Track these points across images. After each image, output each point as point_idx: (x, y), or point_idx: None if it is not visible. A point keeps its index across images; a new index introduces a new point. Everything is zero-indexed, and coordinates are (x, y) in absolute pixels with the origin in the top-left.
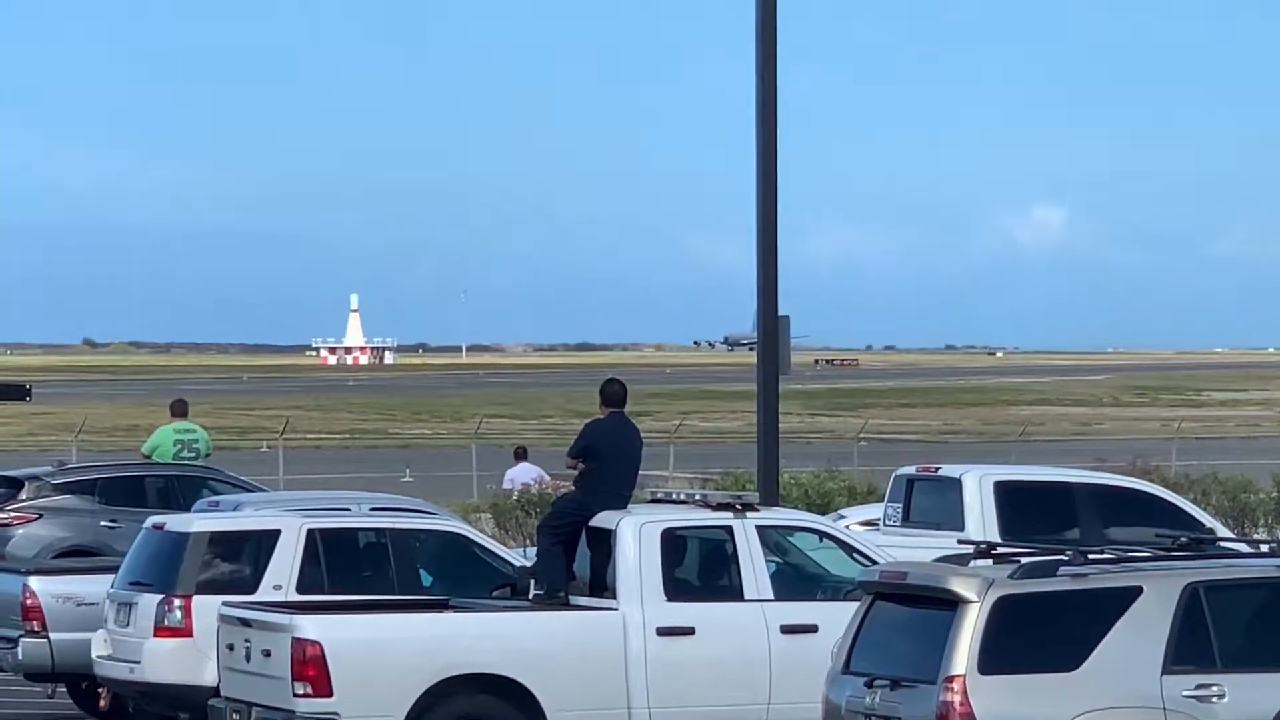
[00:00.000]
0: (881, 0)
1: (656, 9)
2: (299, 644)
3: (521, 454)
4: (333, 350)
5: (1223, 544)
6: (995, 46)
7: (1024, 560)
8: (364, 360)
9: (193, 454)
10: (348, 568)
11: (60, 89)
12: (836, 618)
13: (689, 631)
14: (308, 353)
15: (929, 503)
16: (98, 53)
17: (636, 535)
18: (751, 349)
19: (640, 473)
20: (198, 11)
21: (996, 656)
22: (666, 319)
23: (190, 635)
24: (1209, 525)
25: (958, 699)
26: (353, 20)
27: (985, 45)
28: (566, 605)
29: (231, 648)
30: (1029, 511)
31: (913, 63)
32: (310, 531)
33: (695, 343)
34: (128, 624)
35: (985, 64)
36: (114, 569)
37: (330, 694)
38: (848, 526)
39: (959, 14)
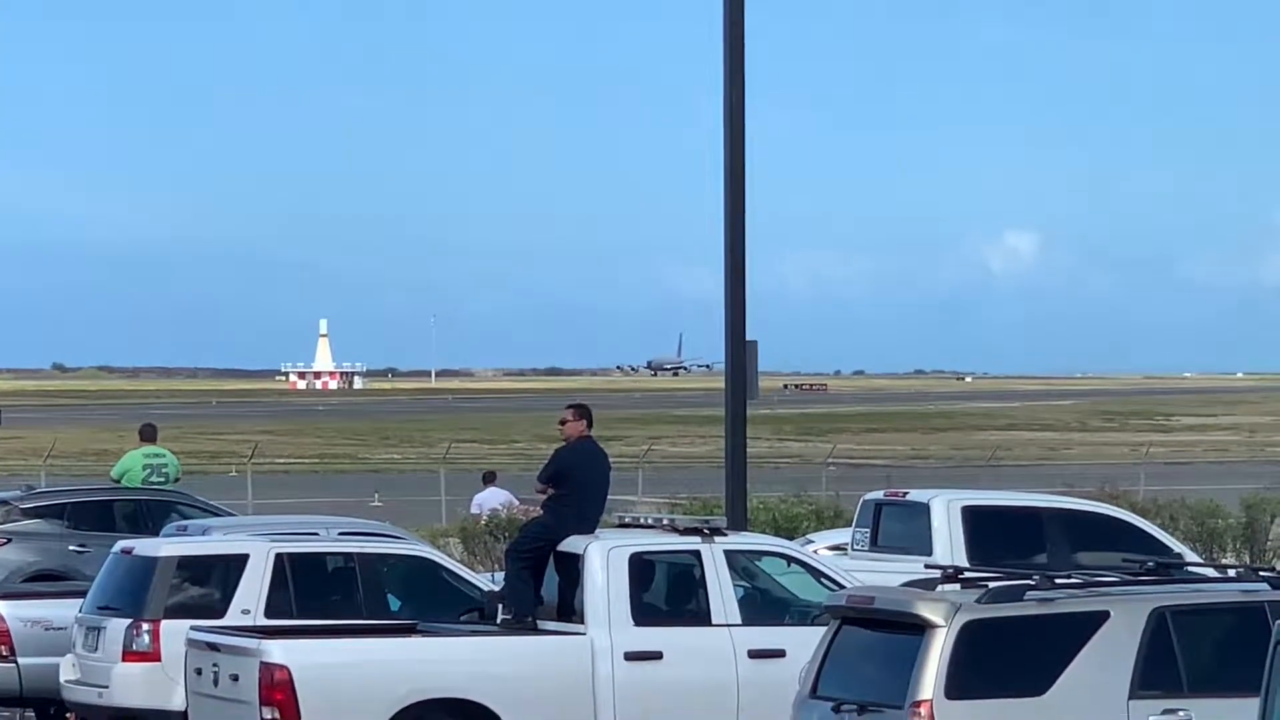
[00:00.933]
0: (851, 31)
1: (628, 39)
2: (267, 668)
3: (490, 478)
4: (302, 375)
5: (1190, 569)
6: (963, 73)
7: (991, 585)
8: (333, 385)
9: (162, 478)
10: (316, 592)
11: (23, 111)
12: (804, 642)
13: (657, 656)
14: (277, 377)
15: (897, 527)
16: (60, 74)
17: (604, 560)
18: (676, 374)
19: (609, 497)
20: (162, 33)
21: (963, 681)
22: (636, 344)
23: (159, 659)
24: (1177, 550)
25: None
26: (326, 45)
27: (952, 72)
28: (535, 630)
29: (199, 672)
30: (997, 536)
31: (881, 90)
32: (279, 555)
33: (618, 368)
34: (96, 648)
35: (955, 90)
36: (82, 593)
37: (298, 718)
38: (815, 551)
39: (928, 42)
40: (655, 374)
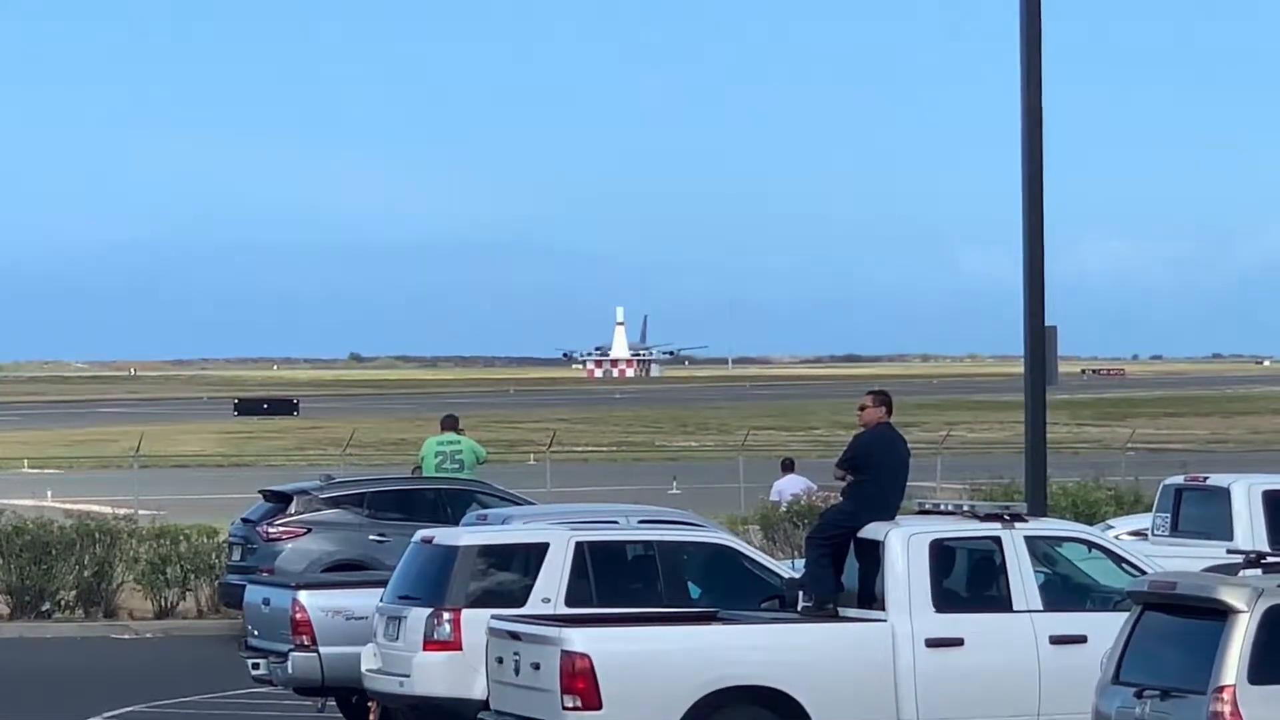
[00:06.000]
0: (1150, 12)
1: (922, 19)
2: (568, 657)
3: (789, 465)
4: (599, 363)
5: None
6: (1262, 56)
7: None
8: (630, 373)
9: (456, 465)
10: (616, 580)
11: (328, 111)
12: (1105, 628)
13: (958, 643)
14: (574, 365)
15: (1197, 512)
16: (362, 74)
17: (905, 546)
18: (642, 361)
19: (908, 484)
20: (457, 31)
21: (1266, 667)
22: (933, 330)
23: (459, 649)
24: None
25: (1228, 709)
26: (618, 34)
27: (1251, 56)
28: (835, 617)
29: (500, 661)
30: None
31: (1180, 74)
32: (579, 544)
33: (564, 354)
34: (397, 638)
35: (1254, 74)
36: (383, 583)
37: (599, 707)
38: (1116, 536)
39: (1228, 26)
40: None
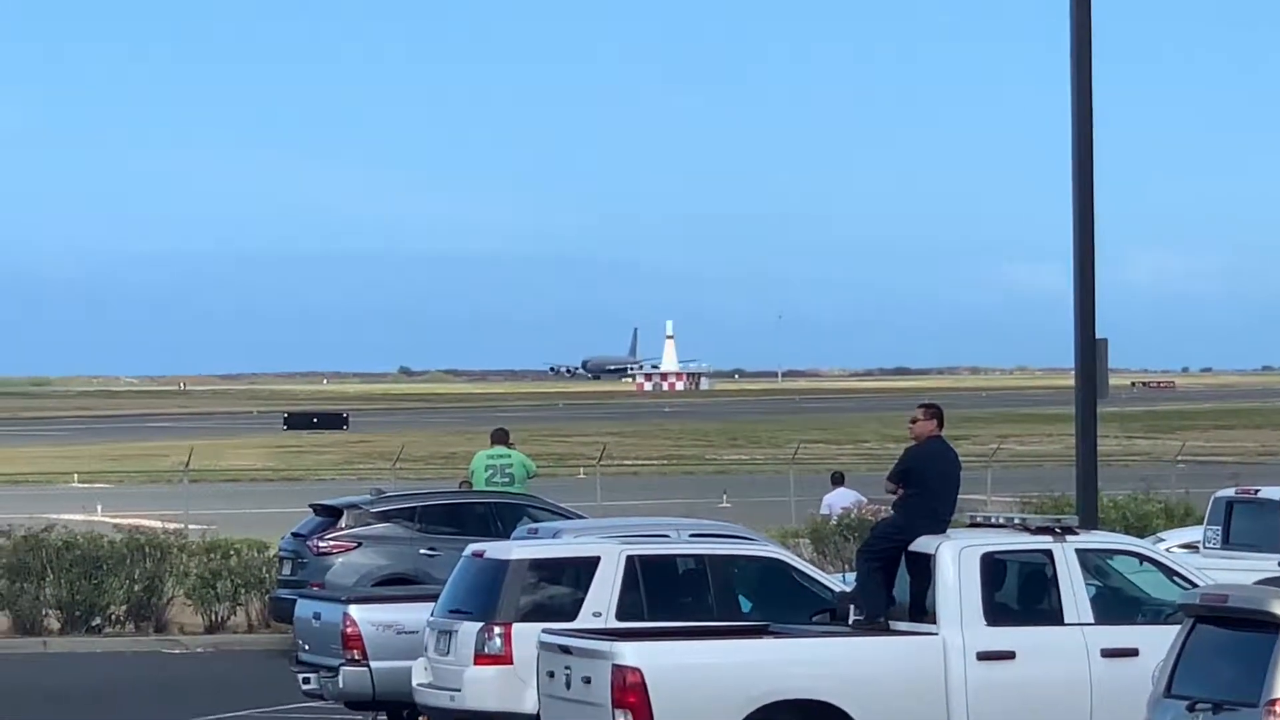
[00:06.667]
0: (1200, 18)
1: (970, 31)
2: (619, 671)
3: (839, 479)
4: (648, 376)
5: None
6: None
7: None
8: (679, 386)
9: (506, 479)
10: (667, 594)
11: (377, 124)
12: (1157, 641)
13: (1009, 656)
14: (623, 379)
15: (1249, 525)
16: (410, 90)
17: (956, 559)
18: (622, 376)
19: (959, 497)
20: (506, 50)
21: None
22: (983, 343)
23: (510, 663)
24: None
25: None
26: (666, 50)
27: None
28: (887, 630)
29: (551, 675)
30: None
31: (1231, 82)
32: (630, 558)
33: (551, 369)
34: (448, 652)
35: None
36: (433, 597)
37: None
38: (1167, 549)
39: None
40: (596, 376)
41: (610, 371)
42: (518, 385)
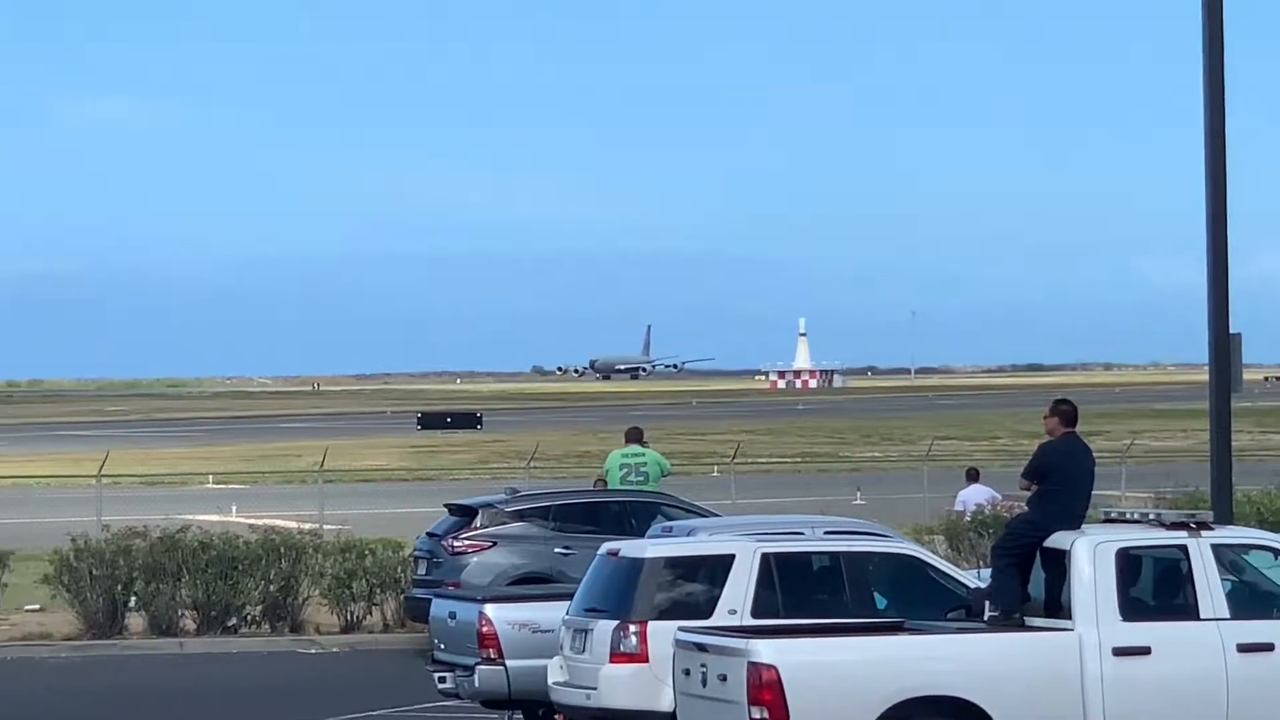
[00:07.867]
0: None
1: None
2: (755, 668)
3: (973, 475)
4: (781, 374)
5: None
6: None
7: None
8: (813, 384)
9: (640, 478)
10: (802, 591)
11: (512, 124)
12: None
13: (1145, 651)
14: (757, 377)
15: None
16: (546, 89)
17: (1091, 555)
18: (635, 375)
19: (1093, 493)
20: (647, 50)
21: None
22: (1116, 338)
23: (646, 661)
24: None
25: None
26: (797, 47)
27: None
28: (1022, 626)
29: (687, 673)
30: None
31: None
32: (765, 556)
33: (559, 369)
34: (583, 650)
35: None
36: (568, 595)
37: (787, 718)
38: None
39: None
40: (605, 377)
41: (620, 371)
42: (652, 383)
